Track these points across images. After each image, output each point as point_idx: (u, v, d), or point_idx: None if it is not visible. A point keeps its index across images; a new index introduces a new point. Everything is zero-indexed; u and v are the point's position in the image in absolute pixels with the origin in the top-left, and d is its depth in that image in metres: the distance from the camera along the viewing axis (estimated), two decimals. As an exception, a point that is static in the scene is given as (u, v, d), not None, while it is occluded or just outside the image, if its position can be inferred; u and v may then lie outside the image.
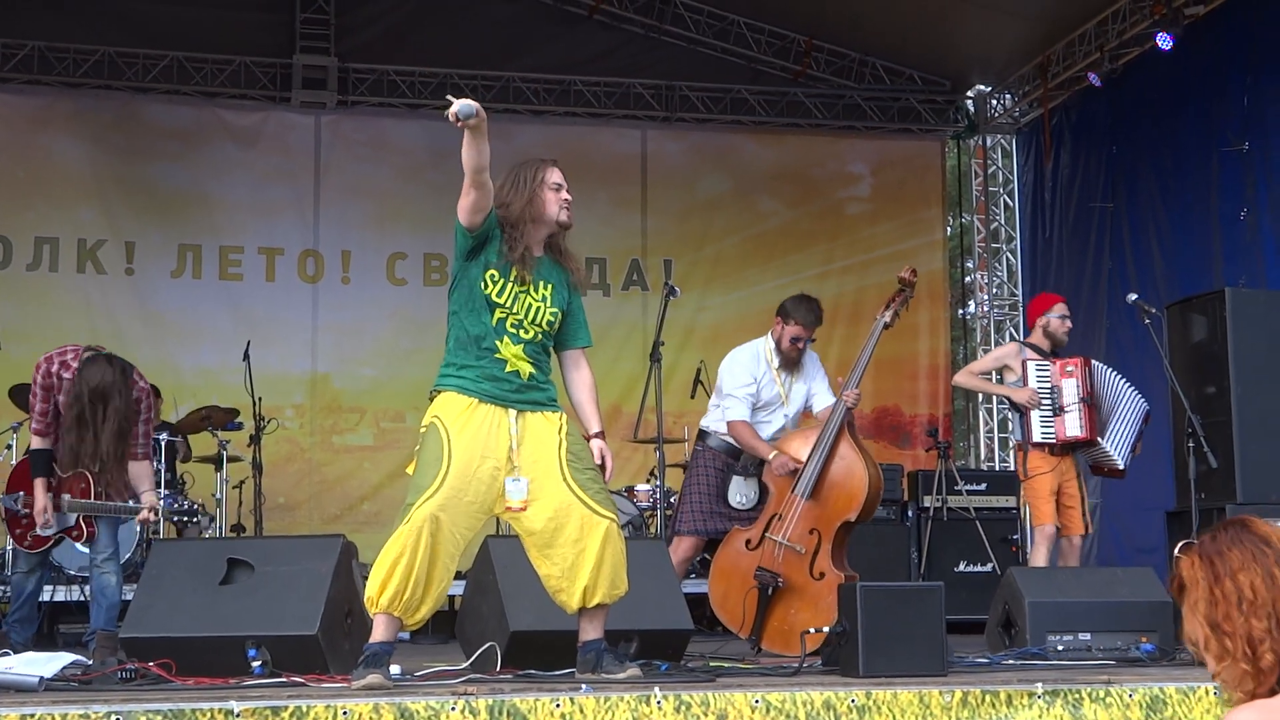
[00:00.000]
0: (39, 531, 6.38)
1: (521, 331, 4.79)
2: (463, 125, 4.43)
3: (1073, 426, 7.20)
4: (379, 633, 4.61)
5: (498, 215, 4.78)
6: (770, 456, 6.70)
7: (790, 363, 7.01)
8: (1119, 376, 7.43)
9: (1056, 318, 7.49)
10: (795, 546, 6.52)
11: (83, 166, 11.63)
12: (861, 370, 6.83)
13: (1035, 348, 7.49)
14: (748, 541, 6.67)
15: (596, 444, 4.88)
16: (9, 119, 11.61)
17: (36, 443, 6.43)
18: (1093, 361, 7.44)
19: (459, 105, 4.36)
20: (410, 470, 4.74)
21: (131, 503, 6.44)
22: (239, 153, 11.94)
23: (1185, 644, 2.58)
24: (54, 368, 6.37)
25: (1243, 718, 2.40)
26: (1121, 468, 7.40)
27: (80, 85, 11.69)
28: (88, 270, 11.49)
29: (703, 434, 7.18)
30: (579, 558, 4.70)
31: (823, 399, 7.05)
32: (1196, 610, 2.53)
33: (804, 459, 6.62)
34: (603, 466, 4.85)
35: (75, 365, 6.32)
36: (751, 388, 6.94)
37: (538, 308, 4.80)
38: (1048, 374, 7.30)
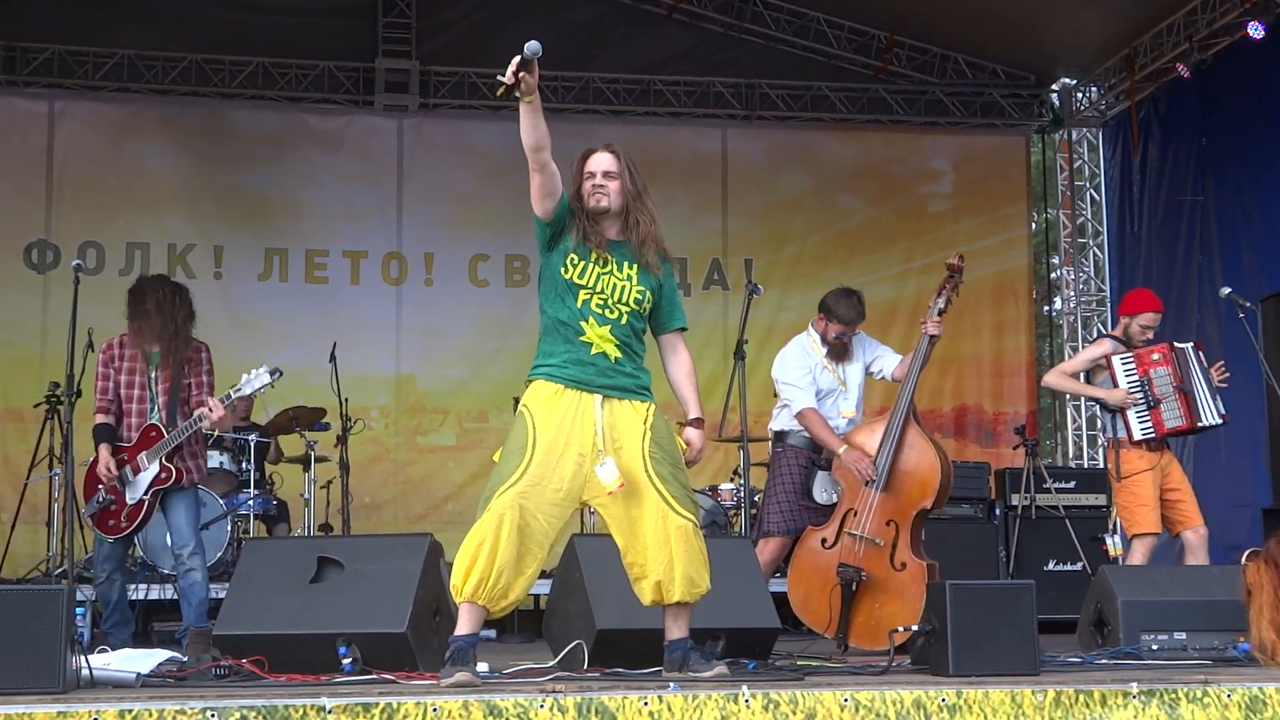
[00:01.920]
0: (129, 488, 6.52)
1: (607, 311, 4.77)
2: (519, 91, 4.43)
3: (1171, 417, 7.07)
4: (463, 624, 4.62)
5: (570, 201, 4.80)
6: (841, 451, 6.68)
7: (838, 353, 7.02)
8: (1185, 346, 7.31)
9: (1139, 325, 7.32)
10: (874, 539, 6.49)
11: (171, 173, 11.81)
12: (923, 356, 6.77)
13: (1120, 341, 7.37)
14: (824, 540, 6.64)
15: (691, 432, 4.85)
16: (100, 127, 11.82)
17: (99, 419, 6.63)
18: (1175, 344, 7.29)
19: (528, 46, 4.37)
20: (496, 458, 4.75)
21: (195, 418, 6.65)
22: (323, 157, 12.07)
23: (1254, 650, 2.54)
24: (115, 350, 6.66)
25: None
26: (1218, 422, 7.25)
27: (168, 92, 11.87)
28: (178, 275, 11.57)
29: (780, 435, 7.16)
30: (656, 552, 4.70)
31: (890, 361, 7.07)
32: (1263, 615, 2.50)
33: (871, 450, 6.59)
34: (690, 459, 4.83)
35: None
36: (809, 375, 6.93)
37: (623, 286, 4.78)
38: (1133, 367, 7.17)
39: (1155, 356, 7.15)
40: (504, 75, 4.44)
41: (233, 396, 6.94)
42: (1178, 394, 7.06)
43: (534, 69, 4.43)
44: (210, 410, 6.59)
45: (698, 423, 4.89)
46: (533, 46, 4.38)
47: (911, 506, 6.53)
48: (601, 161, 4.84)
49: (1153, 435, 7.09)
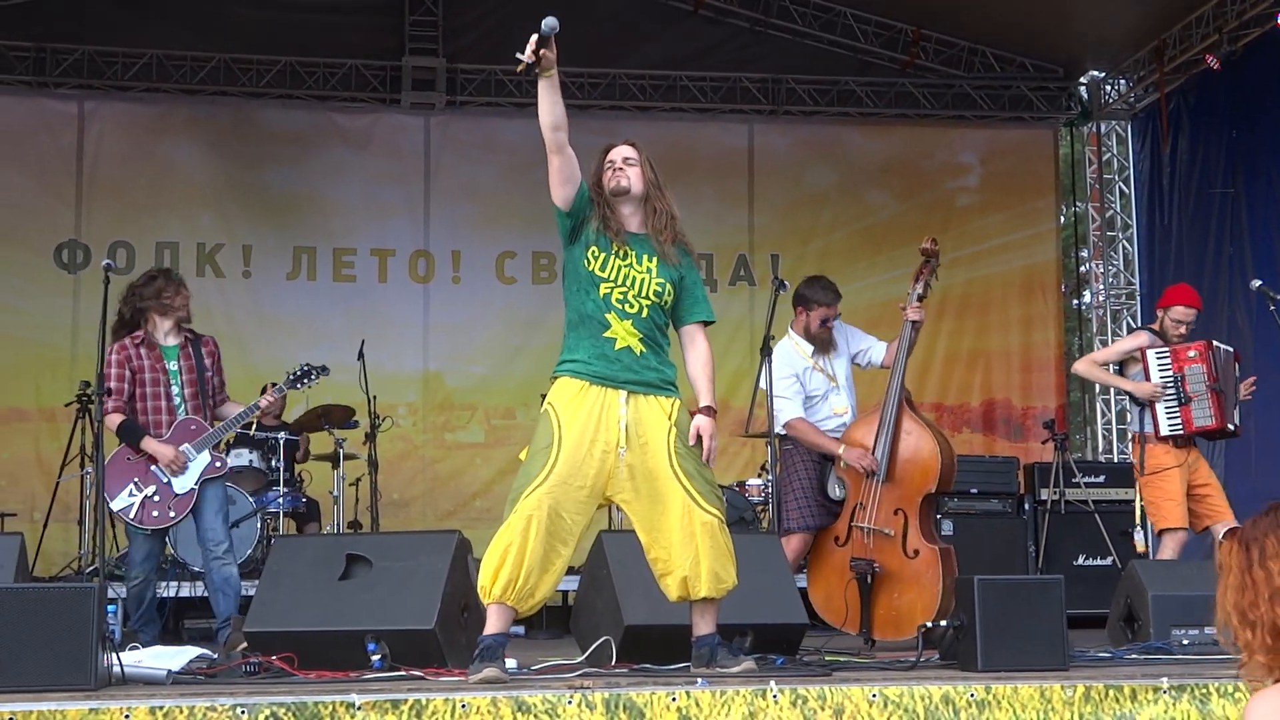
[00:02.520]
0: (178, 477, 6.55)
1: (628, 306, 4.78)
2: (539, 69, 4.44)
3: (1201, 416, 7.00)
4: (492, 624, 4.64)
5: (589, 192, 4.81)
6: (840, 451, 6.68)
7: (824, 345, 7.02)
8: (1223, 348, 7.25)
9: (1172, 320, 7.24)
10: (884, 530, 6.49)
11: (200, 172, 11.87)
12: (907, 341, 6.80)
13: (1158, 334, 7.31)
14: (836, 539, 6.67)
15: (700, 421, 4.82)
16: (129, 127, 11.88)
17: (116, 419, 6.62)
18: (1214, 343, 7.21)
19: (545, 22, 4.45)
20: (523, 456, 4.76)
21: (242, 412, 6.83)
22: (351, 155, 12.11)
23: (1216, 633, 2.54)
24: (130, 350, 6.67)
25: (1264, 705, 2.35)
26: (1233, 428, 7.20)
27: (197, 92, 11.92)
28: (207, 274, 11.71)
29: (785, 437, 7.17)
30: (681, 548, 4.70)
31: (878, 350, 7.12)
32: (1226, 596, 2.49)
33: (869, 443, 6.59)
34: (701, 445, 4.81)
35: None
36: (795, 384, 6.95)
37: (643, 279, 4.79)
38: (1168, 362, 7.12)
39: (1191, 354, 7.08)
40: (523, 53, 4.48)
41: (284, 388, 7.02)
42: (1210, 393, 7.00)
43: (552, 45, 4.47)
44: (271, 400, 6.84)
45: (708, 410, 4.86)
46: (550, 23, 4.45)
47: (916, 493, 6.54)
48: (621, 151, 4.91)
49: (1180, 432, 7.03)
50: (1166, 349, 7.14)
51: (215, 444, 6.73)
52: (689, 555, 4.69)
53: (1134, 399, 7.26)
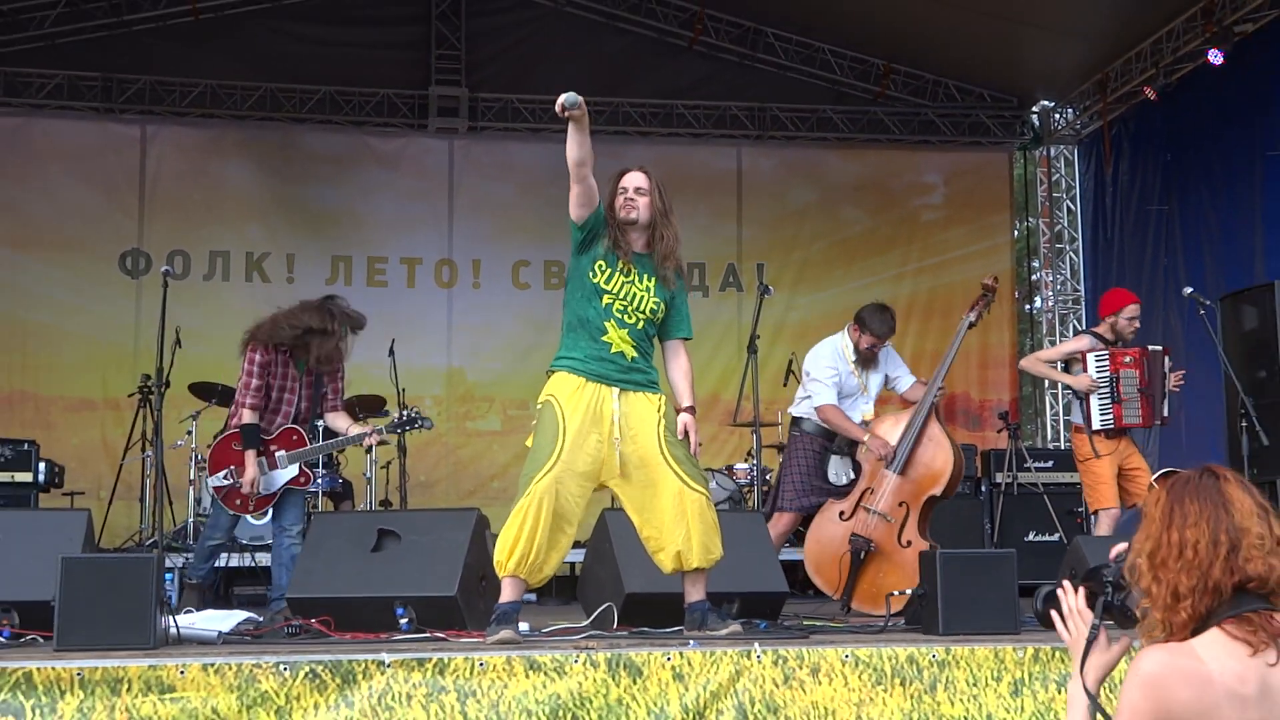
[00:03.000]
0: (235, 468, 6.49)
1: (626, 317, 4.78)
2: (568, 115, 4.45)
3: (1131, 416, 6.97)
4: (507, 593, 4.65)
5: (604, 213, 4.81)
6: (865, 439, 6.67)
7: (867, 361, 6.99)
8: (1155, 350, 7.19)
9: (1125, 319, 7.17)
10: (886, 516, 6.48)
11: (249, 189, 11.86)
12: (949, 363, 6.81)
13: (1100, 338, 7.29)
14: (841, 513, 6.64)
15: (684, 417, 4.84)
16: (186, 149, 11.88)
17: (248, 416, 6.47)
18: (1150, 348, 7.18)
19: (565, 96, 4.41)
20: (529, 444, 4.76)
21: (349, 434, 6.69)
22: (383, 174, 12.10)
23: (1124, 571, 2.44)
24: (274, 355, 6.50)
25: (1153, 658, 2.29)
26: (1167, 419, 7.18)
27: (246, 118, 11.92)
28: (254, 280, 11.71)
29: (796, 421, 7.15)
30: (673, 525, 4.70)
31: (905, 381, 7.04)
32: (1144, 546, 2.39)
33: (893, 440, 6.58)
34: (688, 440, 4.82)
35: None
36: (836, 377, 6.91)
37: (642, 296, 4.79)
38: (1106, 364, 7.09)
39: (1127, 360, 7.02)
40: (559, 99, 4.47)
41: (385, 431, 6.87)
42: (1140, 396, 6.98)
43: (581, 103, 4.44)
44: (371, 437, 6.69)
45: (690, 410, 4.89)
46: (570, 99, 4.40)
47: (923, 492, 6.53)
48: (634, 179, 4.85)
49: (1111, 426, 7.02)
50: (1106, 352, 7.10)
51: (308, 460, 6.64)
52: (681, 531, 4.70)
53: (1075, 393, 7.24)
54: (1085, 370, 7.09)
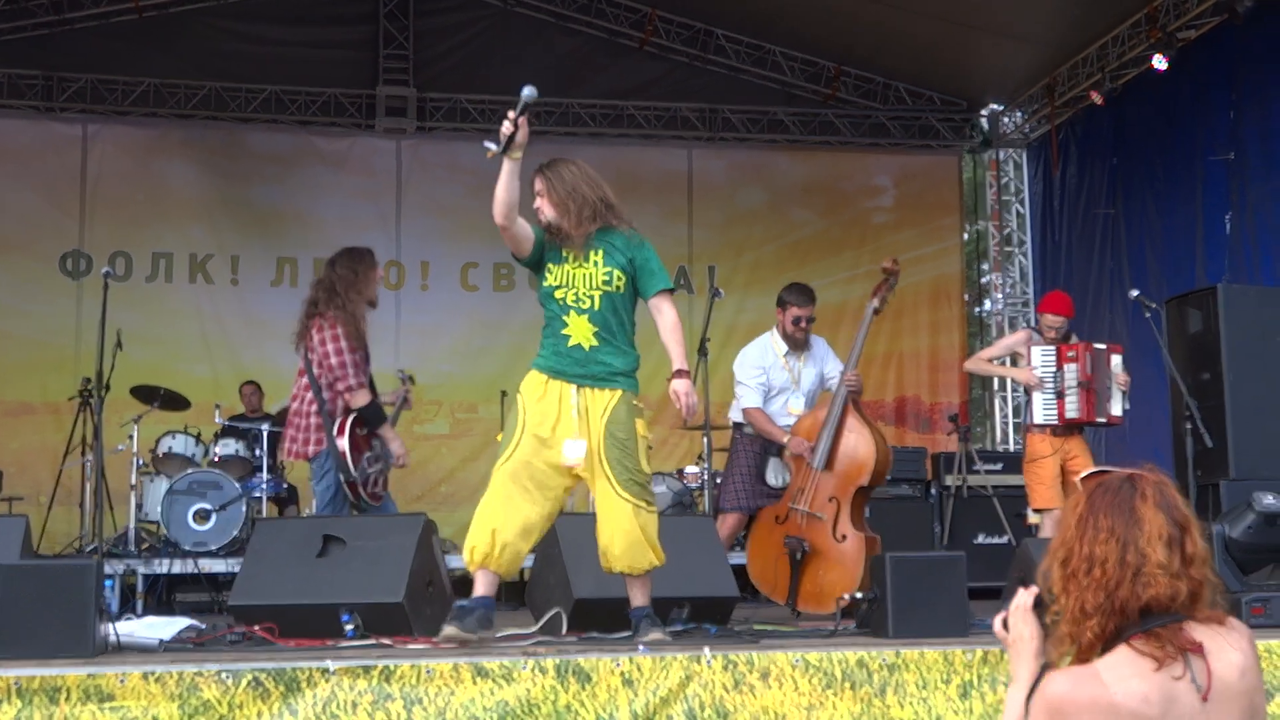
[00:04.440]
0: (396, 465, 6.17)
1: (581, 302, 4.76)
2: (508, 156, 4.44)
3: (1071, 409, 7.07)
4: (477, 588, 4.67)
5: (541, 235, 4.80)
6: (785, 440, 6.68)
7: (798, 345, 6.97)
8: (1099, 347, 7.27)
9: (1044, 324, 7.33)
10: (817, 514, 6.48)
11: (193, 189, 11.74)
12: (858, 353, 6.78)
13: (1040, 334, 7.37)
14: (776, 517, 6.65)
15: (676, 382, 4.79)
16: (129, 148, 11.74)
17: (365, 396, 6.14)
18: (1095, 345, 7.26)
19: (527, 91, 4.35)
20: (499, 439, 4.82)
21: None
22: (330, 175, 12.01)
23: (1037, 581, 2.40)
24: (360, 326, 6.13)
25: (1056, 686, 2.27)
26: (1120, 418, 7.24)
27: (190, 117, 11.81)
28: (198, 281, 11.60)
29: (738, 425, 7.16)
30: (603, 525, 4.74)
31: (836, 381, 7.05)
32: (1058, 553, 2.35)
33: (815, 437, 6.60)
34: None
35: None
36: (761, 376, 6.92)
37: (589, 273, 4.76)
38: (1051, 358, 7.18)
39: (1071, 354, 7.15)
40: (503, 127, 4.42)
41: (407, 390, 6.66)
42: (1080, 389, 7.06)
43: (526, 122, 4.41)
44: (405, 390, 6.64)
45: (680, 374, 4.80)
46: (529, 92, 4.36)
47: (850, 484, 6.50)
48: (534, 185, 4.82)
49: (1054, 421, 7.09)
50: (1050, 346, 7.20)
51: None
52: (607, 532, 4.72)
53: (1025, 391, 7.32)
54: (1028, 362, 7.18)
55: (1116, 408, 7.17)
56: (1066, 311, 7.42)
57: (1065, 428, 7.10)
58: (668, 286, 4.90)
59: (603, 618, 5.00)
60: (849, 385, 6.62)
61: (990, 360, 7.65)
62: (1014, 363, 7.43)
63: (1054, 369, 7.13)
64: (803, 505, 6.53)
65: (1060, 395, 7.07)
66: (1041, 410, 7.12)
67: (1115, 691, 2.22)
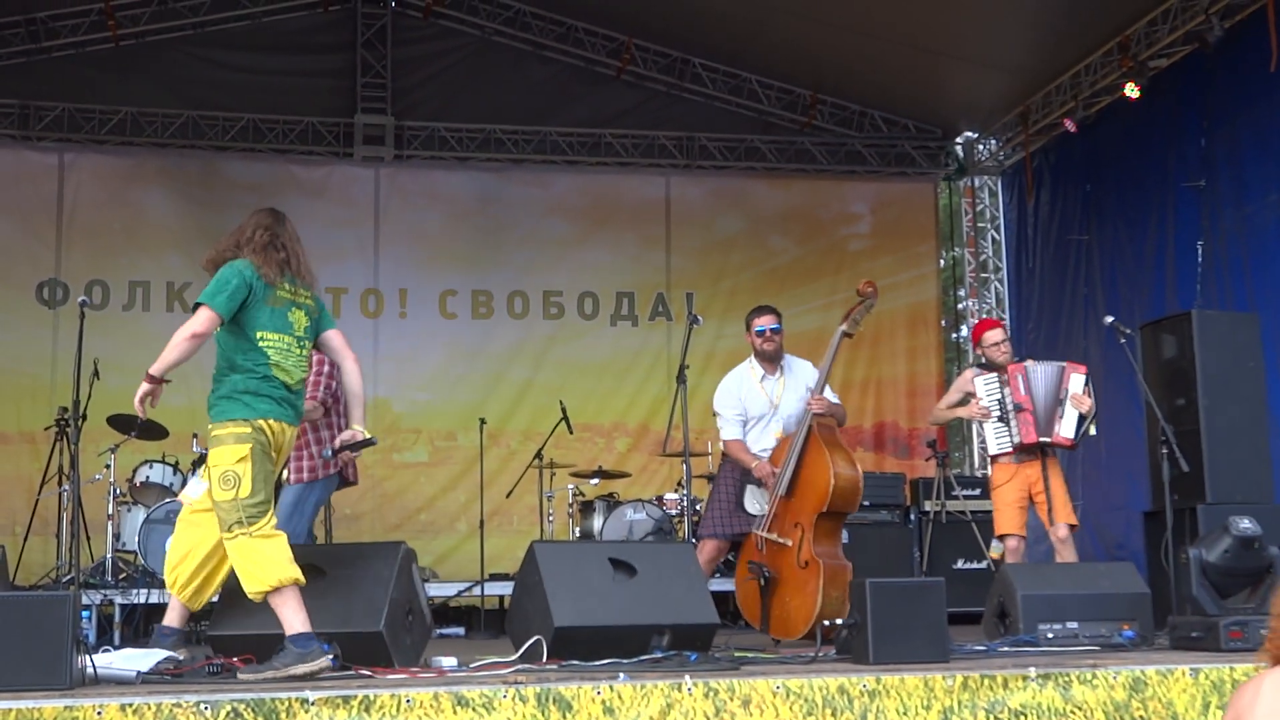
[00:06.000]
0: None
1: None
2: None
3: (1016, 432, 7.03)
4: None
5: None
6: (753, 467, 6.70)
7: (771, 360, 6.95)
8: (1044, 366, 7.14)
9: (989, 346, 7.26)
10: (782, 540, 6.49)
11: (170, 218, 11.70)
12: (824, 376, 6.79)
13: (984, 367, 7.32)
14: (755, 544, 6.66)
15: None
16: (105, 177, 11.71)
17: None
18: (1025, 364, 7.17)
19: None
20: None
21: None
22: (307, 203, 11.98)
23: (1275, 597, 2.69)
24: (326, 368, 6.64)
25: (1262, 677, 2.50)
26: (1069, 440, 7.02)
27: (167, 145, 11.79)
28: (175, 309, 11.54)
29: (724, 454, 7.18)
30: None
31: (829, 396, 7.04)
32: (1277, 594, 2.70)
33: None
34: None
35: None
36: (737, 406, 6.92)
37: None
38: (994, 385, 7.17)
39: (1003, 378, 7.09)
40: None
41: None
42: (1017, 413, 7.04)
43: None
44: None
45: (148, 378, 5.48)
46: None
47: (811, 510, 6.50)
48: None
49: (1009, 450, 7.06)
50: (993, 374, 7.18)
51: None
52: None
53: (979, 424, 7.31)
54: (976, 397, 7.16)
55: (1068, 428, 6.99)
56: (996, 324, 7.45)
57: (1026, 451, 7.08)
58: (200, 301, 5.36)
59: (583, 645, 4.99)
60: (812, 409, 6.63)
61: (947, 407, 7.56)
62: (963, 403, 7.36)
63: (999, 396, 7.11)
64: (766, 531, 6.55)
65: (1007, 421, 7.06)
66: (994, 439, 7.11)
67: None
